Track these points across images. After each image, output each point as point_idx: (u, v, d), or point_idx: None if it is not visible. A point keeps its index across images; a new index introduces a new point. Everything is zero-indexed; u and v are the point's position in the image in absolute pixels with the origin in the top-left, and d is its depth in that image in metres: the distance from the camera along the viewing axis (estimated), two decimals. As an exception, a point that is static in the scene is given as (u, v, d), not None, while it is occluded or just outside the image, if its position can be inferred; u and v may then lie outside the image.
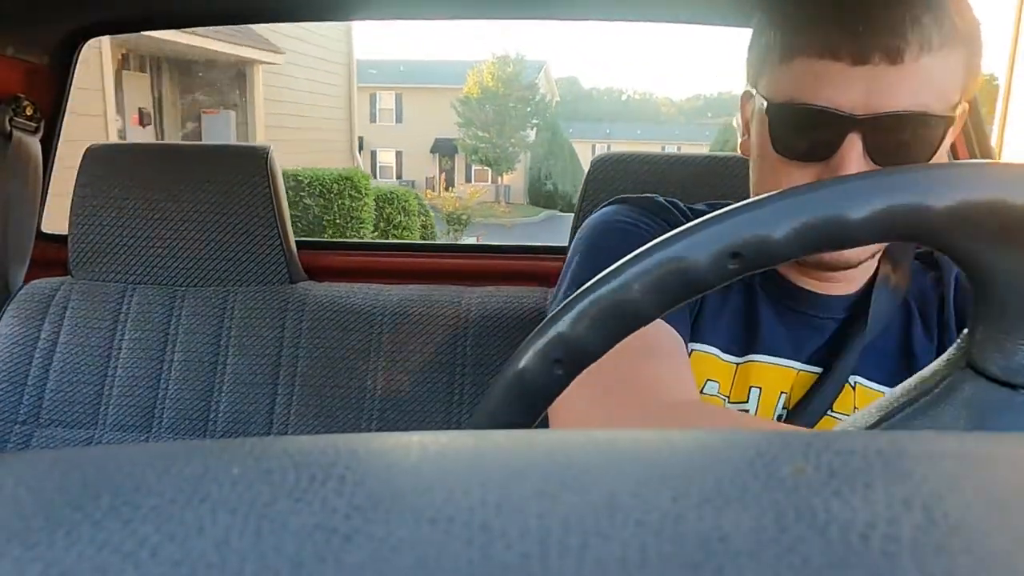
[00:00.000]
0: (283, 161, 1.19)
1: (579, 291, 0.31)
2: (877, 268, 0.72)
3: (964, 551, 0.13)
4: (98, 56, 6.64)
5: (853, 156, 0.59)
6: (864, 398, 0.70)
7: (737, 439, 0.20)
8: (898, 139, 0.59)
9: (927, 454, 0.18)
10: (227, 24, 1.30)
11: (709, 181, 1.11)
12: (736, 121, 0.76)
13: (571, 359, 0.31)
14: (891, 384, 0.69)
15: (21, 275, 1.29)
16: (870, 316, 0.70)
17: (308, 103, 11.42)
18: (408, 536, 0.14)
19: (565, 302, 0.32)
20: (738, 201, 0.32)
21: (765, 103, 0.63)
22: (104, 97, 6.77)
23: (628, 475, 0.17)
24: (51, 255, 1.33)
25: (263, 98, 10.20)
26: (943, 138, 0.60)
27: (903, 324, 0.73)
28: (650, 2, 1.23)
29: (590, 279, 0.32)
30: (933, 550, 0.13)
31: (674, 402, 0.56)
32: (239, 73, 9.98)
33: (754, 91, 0.67)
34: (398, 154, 26.33)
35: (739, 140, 0.74)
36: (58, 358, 1.17)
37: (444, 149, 26.15)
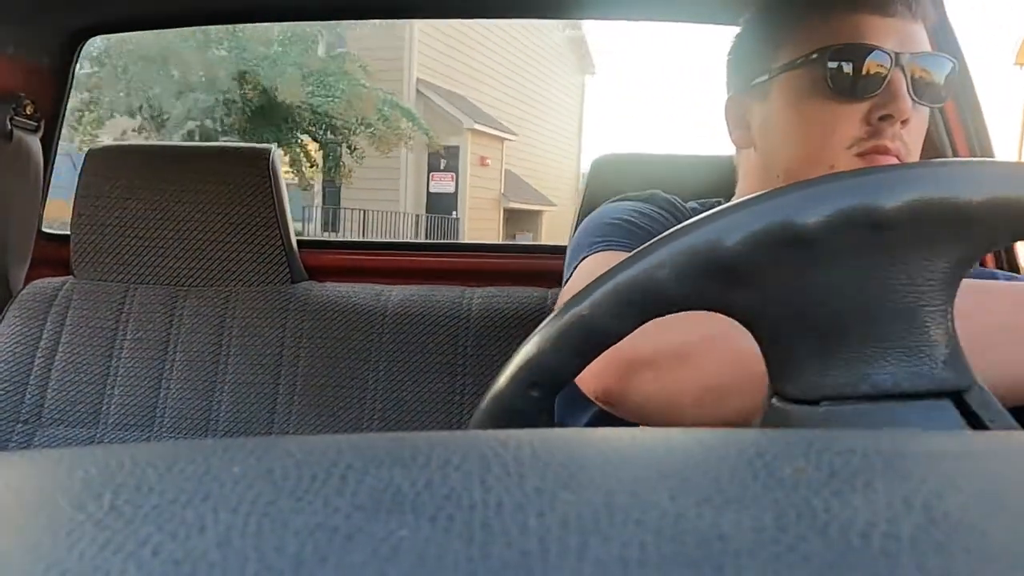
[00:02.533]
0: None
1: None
2: None
3: (964, 551, 0.13)
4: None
5: (903, 88, 0.67)
6: None
7: (737, 439, 0.20)
8: (931, 76, 0.69)
9: (927, 454, 0.18)
10: (227, 24, 1.30)
11: (710, 181, 1.11)
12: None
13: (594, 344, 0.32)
14: None
15: (22, 275, 1.29)
16: None
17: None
18: (408, 536, 0.14)
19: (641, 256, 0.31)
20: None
21: (815, 54, 0.70)
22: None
23: (627, 474, 0.17)
24: (52, 255, 1.33)
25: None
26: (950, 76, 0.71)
27: None
28: (656, 1, 1.23)
29: (621, 245, 0.33)
30: (933, 550, 0.13)
31: None
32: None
33: (764, 76, 0.73)
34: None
35: (731, 137, 0.79)
36: (60, 357, 1.17)
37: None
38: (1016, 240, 0.30)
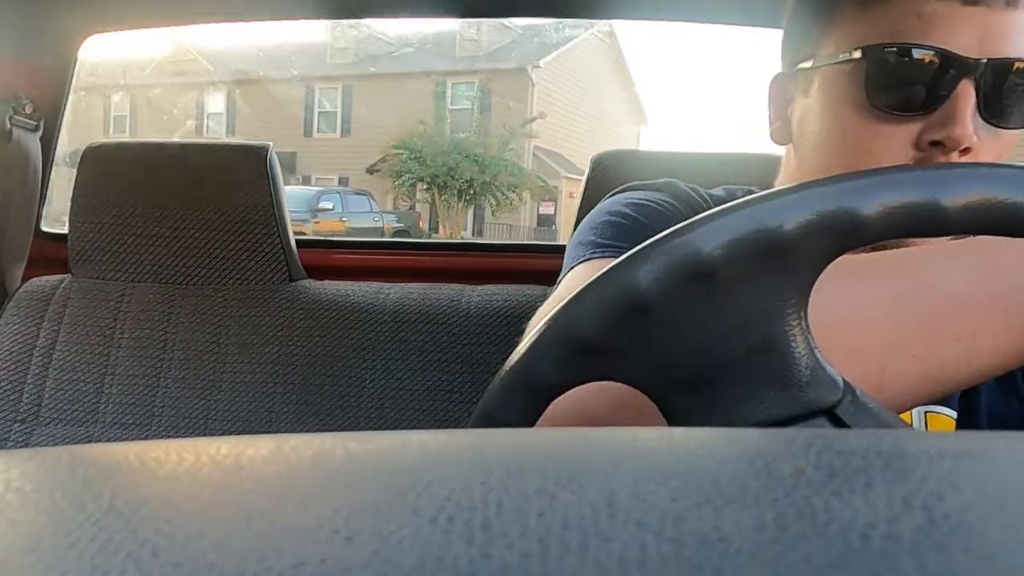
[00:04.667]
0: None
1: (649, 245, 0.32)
2: None
3: (964, 551, 0.13)
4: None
5: (968, 108, 0.52)
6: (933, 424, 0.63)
7: (737, 439, 0.20)
8: (1014, 90, 0.53)
9: (927, 454, 0.18)
10: (229, 22, 1.30)
11: (713, 179, 1.11)
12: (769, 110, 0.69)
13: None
14: (955, 407, 0.61)
15: (19, 273, 1.29)
16: None
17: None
18: (408, 536, 0.14)
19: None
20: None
21: (854, 52, 0.55)
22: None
23: (628, 474, 0.17)
24: (50, 253, 1.33)
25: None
26: None
27: None
28: (680, 1, 1.22)
29: (609, 248, 0.33)
30: (933, 550, 0.13)
31: None
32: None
33: (809, 62, 0.61)
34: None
35: (770, 128, 0.67)
36: (57, 356, 1.17)
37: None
38: (842, 253, 0.31)
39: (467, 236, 15.57)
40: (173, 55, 18.62)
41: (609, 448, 0.19)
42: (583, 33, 17.56)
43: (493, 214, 16.27)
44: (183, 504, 0.15)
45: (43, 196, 1.33)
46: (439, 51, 17.92)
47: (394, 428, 1.13)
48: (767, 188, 0.35)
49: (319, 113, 18.51)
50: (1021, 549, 0.14)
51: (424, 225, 16.36)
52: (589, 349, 0.31)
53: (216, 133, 18.57)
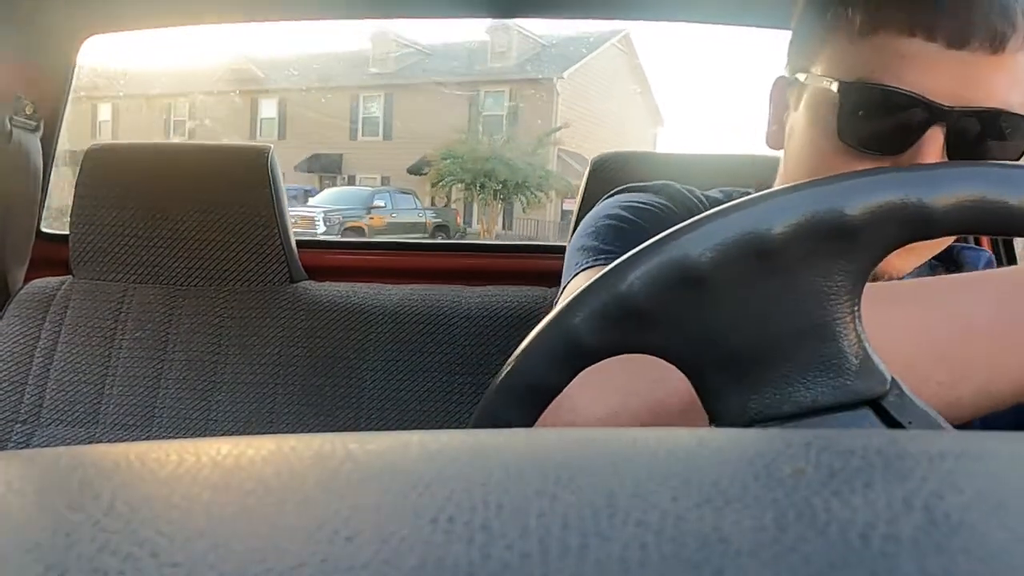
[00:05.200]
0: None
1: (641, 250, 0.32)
2: None
3: (964, 551, 0.13)
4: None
5: (932, 151, 0.52)
6: None
7: (737, 439, 0.20)
8: (984, 139, 0.52)
9: (927, 454, 0.18)
10: (229, 22, 1.30)
11: (713, 180, 1.11)
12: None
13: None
14: None
15: (21, 274, 1.29)
16: None
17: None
18: (408, 536, 0.14)
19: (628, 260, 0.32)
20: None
21: (833, 83, 0.55)
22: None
23: (628, 475, 0.17)
24: (51, 254, 1.33)
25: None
26: None
27: None
28: (690, 2, 1.22)
29: (608, 254, 0.33)
30: (933, 550, 0.13)
31: None
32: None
33: (803, 76, 0.60)
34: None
35: (767, 131, 0.67)
36: (59, 357, 1.17)
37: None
38: (906, 243, 0.31)
39: (499, 230, 17.74)
40: (229, 65, 20.89)
41: (609, 448, 0.19)
42: (603, 45, 19.13)
43: (524, 211, 17.99)
44: (183, 505, 0.15)
45: (43, 197, 1.33)
46: (472, 62, 19.97)
47: (394, 429, 1.13)
48: (764, 190, 0.34)
49: (363, 118, 20.36)
50: (1021, 549, 0.14)
51: (460, 220, 18.07)
52: (630, 314, 0.31)
53: (269, 136, 20.35)
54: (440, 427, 1.12)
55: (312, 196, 16.77)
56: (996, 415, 0.61)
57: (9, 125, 1.19)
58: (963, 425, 0.61)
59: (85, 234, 1.21)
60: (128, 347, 1.18)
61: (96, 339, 1.18)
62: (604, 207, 0.69)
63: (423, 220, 16.50)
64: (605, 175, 1.12)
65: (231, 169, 1.20)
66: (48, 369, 1.16)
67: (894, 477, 0.16)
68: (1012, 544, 0.14)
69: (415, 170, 18.76)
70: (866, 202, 0.30)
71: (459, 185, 17.85)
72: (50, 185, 1.35)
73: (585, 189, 1.13)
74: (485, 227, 17.65)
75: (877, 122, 0.54)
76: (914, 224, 0.30)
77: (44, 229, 1.37)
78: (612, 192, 0.72)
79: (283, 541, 0.14)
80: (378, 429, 1.14)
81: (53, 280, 1.24)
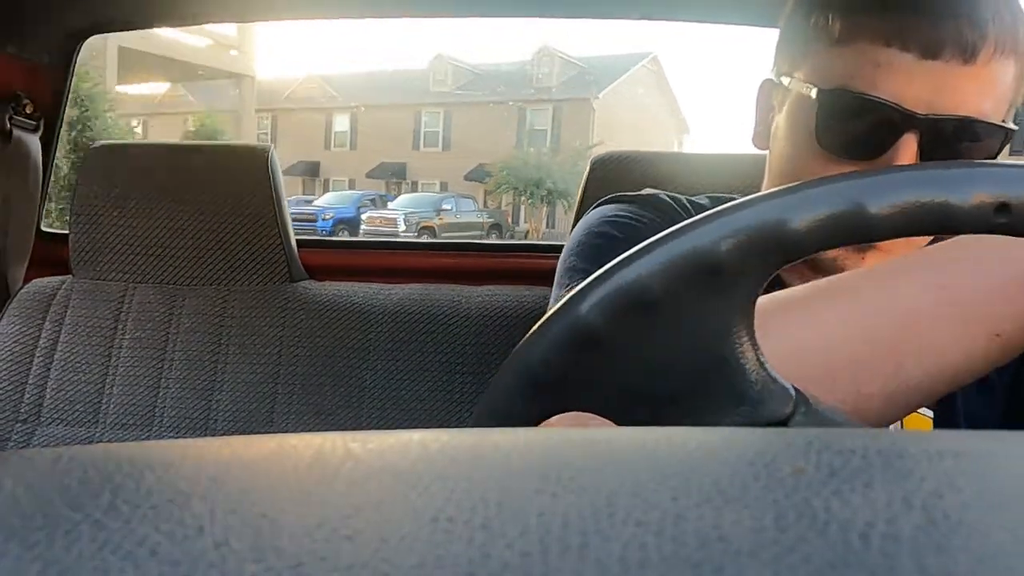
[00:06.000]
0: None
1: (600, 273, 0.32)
2: None
3: (964, 551, 0.13)
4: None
5: (906, 157, 0.53)
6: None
7: (737, 439, 0.20)
8: (956, 146, 0.54)
9: (927, 454, 0.18)
10: (228, 21, 1.30)
11: (712, 180, 1.11)
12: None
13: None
14: (931, 406, 0.62)
15: (21, 274, 1.29)
16: None
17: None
18: (408, 536, 0.14)
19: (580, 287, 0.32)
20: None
21: (812, 89, 0.57)
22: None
23: (628, 475, 0.17)
24: (51, 254, 1.33)
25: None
26: (999, 152, 0.56)
27: None
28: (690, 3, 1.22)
29: (586, 273, 0.33)
30: (933, 550, 0.13)
31: None
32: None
33: (787, 79, 0.61)
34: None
35: (753, 131, 0.69)
36: (59, 356, 1.17)
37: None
38: (777, 269, 0.31)
39: (544, 229, 20.93)
40: (304, 83, 25.01)
41: (609, 448, 0.19)
42: (633, 68, 23.12)
43: (565, 213, 20.51)
44: (183, 503, 0.15)
45: (43, 197, 1.33)
46: (519, 83, 23.86)
47: (395, 428, 1.12)
48: (758, 190, 0.34)
49: (424, 132, 24.35)
50: (1021, 549, 0.14)
51: (510, 220, 21.86)
52: (547, 385, 0.32)
53: (341, 147, 24.58)
54: (440, 426, 1.12)
55: (388, 200, 20.71)
56: (980, 414, 0.61)
57: (9, 125, 1.19)
58: (949, 423, 0.62)
59: (85, 234, 1.21)
60: (128, 347, 1.18)
61: (96, 339, 1.18)
62: (589, 220, 0.71)
63: (480, 220, 19.99)
64: (605, 175, 1.12)
65: (232, 168, 1.20)
66: (48, 369, 1.16)
67: (894, 477, 0.16)
68: (1012, 544, 0.14)
69: (475, 177, 22.49)
70: (730, 237, 0.30)
71: (512, 191, 21.29)
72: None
73: (584, 189, 1.13)
74: (534, 226, 20.97)
75: (853, 128, 0.56)
76: (778, 250, 0.30)
77: (44, 229, 1.37)
78: (602, 200, 0.74)
79: (283, 540, 0.14)
80: (378, 428, 1.14)
81: (53, 280, 1.24)
